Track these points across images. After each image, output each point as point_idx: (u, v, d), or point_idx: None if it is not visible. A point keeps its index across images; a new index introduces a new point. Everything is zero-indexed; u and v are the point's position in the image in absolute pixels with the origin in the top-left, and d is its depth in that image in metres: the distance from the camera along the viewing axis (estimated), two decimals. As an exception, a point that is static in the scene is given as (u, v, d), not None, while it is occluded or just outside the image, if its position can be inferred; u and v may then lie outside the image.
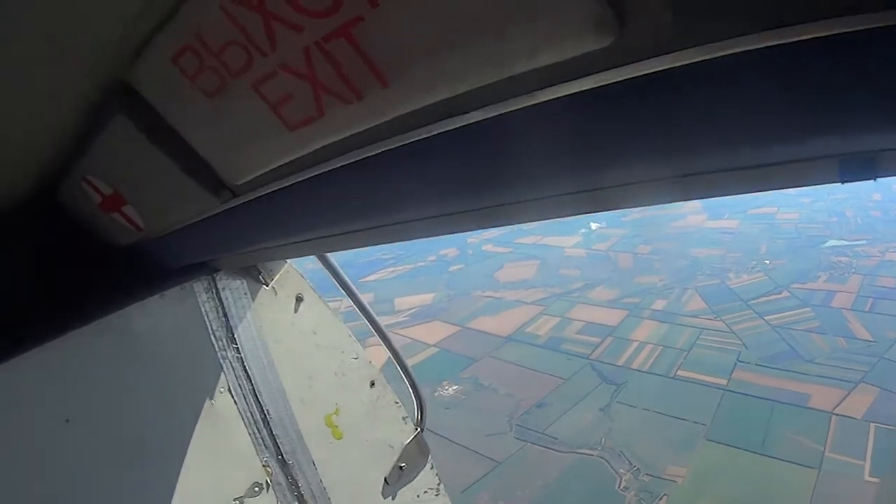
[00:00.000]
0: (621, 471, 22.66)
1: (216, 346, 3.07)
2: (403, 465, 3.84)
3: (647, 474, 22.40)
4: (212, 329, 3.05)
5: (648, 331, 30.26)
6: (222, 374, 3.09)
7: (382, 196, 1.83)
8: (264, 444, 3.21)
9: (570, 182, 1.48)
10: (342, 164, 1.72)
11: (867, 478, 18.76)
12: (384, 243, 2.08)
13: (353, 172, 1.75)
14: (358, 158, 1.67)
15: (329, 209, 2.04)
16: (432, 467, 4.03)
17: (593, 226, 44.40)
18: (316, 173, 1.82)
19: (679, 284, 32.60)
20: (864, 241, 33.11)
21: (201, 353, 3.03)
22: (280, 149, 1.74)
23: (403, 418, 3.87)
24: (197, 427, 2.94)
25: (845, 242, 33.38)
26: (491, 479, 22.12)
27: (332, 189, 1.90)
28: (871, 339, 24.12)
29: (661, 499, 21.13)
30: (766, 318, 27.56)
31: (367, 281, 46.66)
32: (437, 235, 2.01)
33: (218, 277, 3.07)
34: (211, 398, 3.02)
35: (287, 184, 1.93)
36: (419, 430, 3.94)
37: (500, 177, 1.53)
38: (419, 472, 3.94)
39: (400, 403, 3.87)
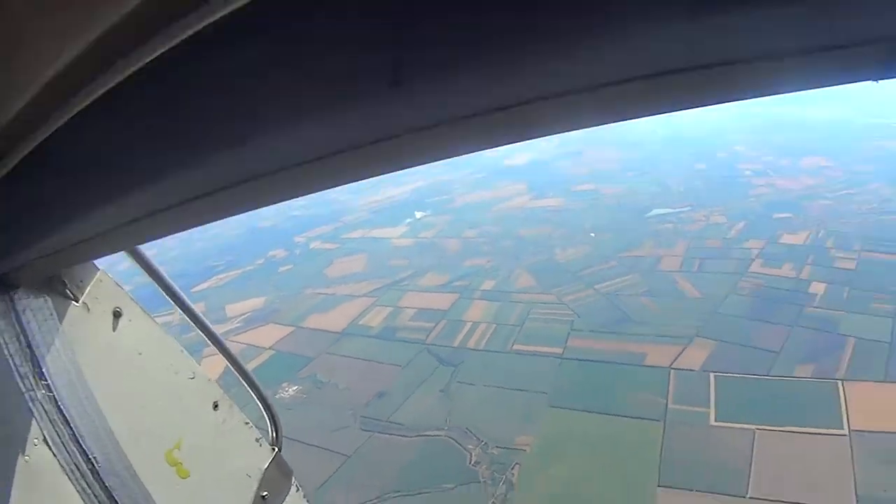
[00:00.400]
0: (470, 447, 23.38)
1: (22, 386, 2.50)
2: (266, 493, 3.42)
3: (496, 447, 23.30)
4: (14, 365, 2.49)
5: (480, 311, 31.31)
6: (33, 420, 2.53)
7: (218, 128, 1.30)
8: (97, 500, 2.67)
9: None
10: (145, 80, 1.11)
11: (713, 423, 21.08)
12: (234, 214, 1.62)
13: (170, 92, 1.25)
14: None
15: (134, 169, 1.50)
16: (298, 489, 3.67)
17: (418, 214, 45.15)
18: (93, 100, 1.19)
19: (506, 264, 33.78)
20: (688, 208, 35.61)
21: (3, 399, 2.47)
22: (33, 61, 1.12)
23: (257, 440, 3.45)
24: (12, 492, 2.39)
25: (670, 210, 35.74)
26: (343, 473, 21.76)
27: (136, 130, 1.39)
28: (701, 296, 26.30)
29: (513, 468, 22.16)
30: (595, 287, 29.22)
31: (198, 290, 43.70)
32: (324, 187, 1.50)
33: (16, 297, 2.47)
34: (24, 453, 2.47)
35: (58, 130, 1.31)
36: (276, 449, 3.50)
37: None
38: (284, 498, 3.55)
39: (250, 423, 3.44)
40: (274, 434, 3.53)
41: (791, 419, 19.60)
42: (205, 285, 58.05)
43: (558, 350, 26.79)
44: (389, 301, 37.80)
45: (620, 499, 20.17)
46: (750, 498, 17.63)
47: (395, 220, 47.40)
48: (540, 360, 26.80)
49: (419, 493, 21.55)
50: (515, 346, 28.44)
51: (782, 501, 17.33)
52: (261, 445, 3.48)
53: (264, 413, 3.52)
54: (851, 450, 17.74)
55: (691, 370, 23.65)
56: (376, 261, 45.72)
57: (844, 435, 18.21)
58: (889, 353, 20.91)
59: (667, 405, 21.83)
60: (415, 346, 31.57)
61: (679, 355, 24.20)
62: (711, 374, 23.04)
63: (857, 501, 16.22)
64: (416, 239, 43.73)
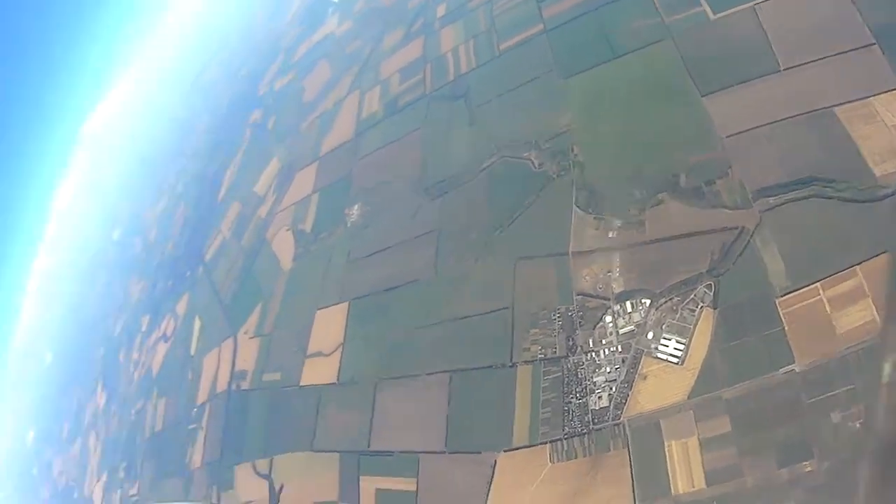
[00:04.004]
0: (524, 155, 29.66)
1: None
2: None
3: (545, 140, 29.79)
4: None
5: (450, 39, 36.48)
6: None
7: None
8: None
9: None
10: None
11: (714, 17, 26.50)
12: None
13: None
14: None
15: None
16: None
17: None
18: None
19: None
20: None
21: None
22: None
23: None
24: None
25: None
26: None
27: None
28: None
29: (573, 151, 28.03)
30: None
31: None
32: None
33: None
34: None
35: None
36: None
37: None
38: None
39: None
40: None
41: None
42: (224, 190, 68.51)
43: (539, 27, 33.51)
44: (372, 82, 47.11)
45: (678, 122, 24.66)
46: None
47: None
48: (535, 45, 32.77)
49: (513, 222, 28.13)
50: (502, 46, 34.65)
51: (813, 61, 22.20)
52: None
53: None
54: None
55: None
56: (334, 58, 57.61)
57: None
58: None
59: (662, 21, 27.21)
60: (421, 104, 38.82)
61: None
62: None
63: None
64: None
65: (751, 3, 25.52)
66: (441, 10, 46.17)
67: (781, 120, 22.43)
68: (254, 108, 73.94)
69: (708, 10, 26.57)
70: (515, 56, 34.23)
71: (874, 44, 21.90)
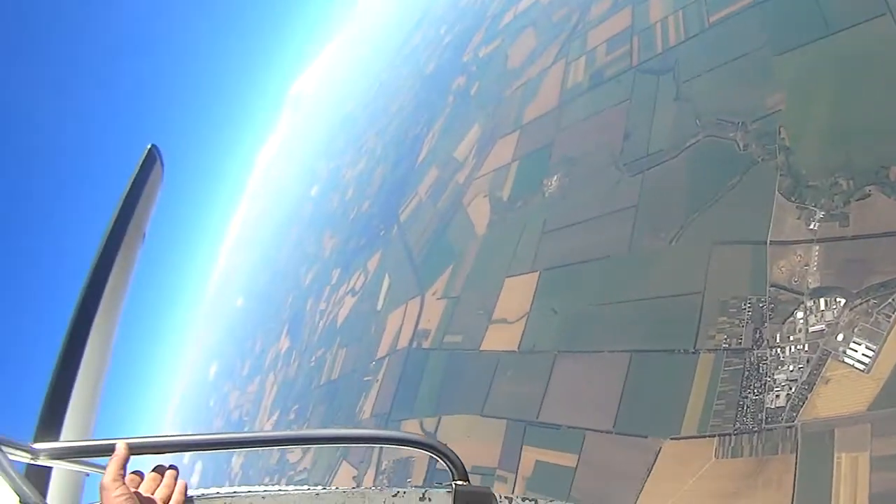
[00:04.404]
0: (731, 135, 28.08)
1: None
2: None
3: (752, 121, 27.31)
4: None
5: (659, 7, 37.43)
6: None
7: None
8: None
9: None
10: None
11: None
12: None
13: None
14: None
15: None
16: None
17: None
18: None
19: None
20: None
21: None
22: None
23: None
24: None
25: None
26: (640, 215, 30.59)
27: None
28: None
29: (780, 134, 25.75)
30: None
31: (423, 159, 67.52)
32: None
33: None
34: None
35: None
36: (460, 483, 3.03)
37: None
38: None
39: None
40: (453, 470, 3.08)
41: None
42: (423, 154, 67.72)
43: None
44: (578, 51, 43.58)
45: (889, 97, 22.23)
46: None
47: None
48: (746, 18, 30.16)
49: (713, 205, 26.94)
50: (712, 18, 32.30)
51: None
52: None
53: (438, 459, 3.09)
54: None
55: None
56: (541, 27, 52.22)
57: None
58: None
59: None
60: (626, 77, 36.85)
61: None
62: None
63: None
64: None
65: None
66: (650, -24, 43.86)
67: None
68: (458, 75, 74.83)
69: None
70: (725, 29, 32.38)
71: None
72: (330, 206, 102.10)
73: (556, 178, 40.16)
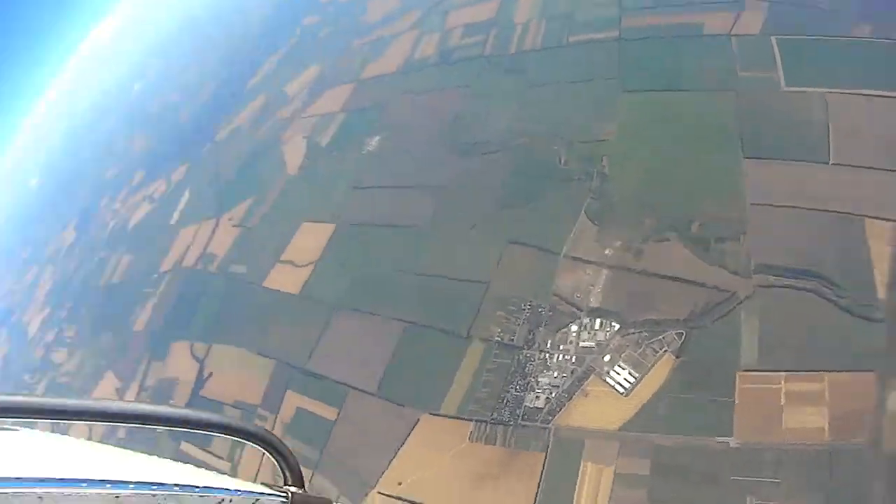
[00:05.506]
0: (555, 147, 27.83)
1: None
2: None
3: (579, 142, 27.21)
4: None
5: (527, 8, 36.41)
6: None
7: None
8: None
9: None
10: None
11: (784, 88, 24.05)
12: None
13: None
14: None
15: None
16: None
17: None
18: None
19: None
20: None
21: None
22: None
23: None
24: None
25: None
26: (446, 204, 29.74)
27: None
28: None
29: (601, 161, 26.06)
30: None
31: (252, 85, 63.22)
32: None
33: None
34: None
35: None
36: (295, 491, 2.82)
37: None
38: None
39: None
40: (287, 473, 2.91)
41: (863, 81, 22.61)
42: (256, 79, 65.54)
43: (614, 34, 31.26)
44: (435, 27, 43.13)
45: (712, 173, 23.61)
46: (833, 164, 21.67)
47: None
48: (606, 49, 30.91)
49: (521, 206, 27.15)
50: (571, 39, 33.27)
51: (864, 167, 20.90)
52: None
53: (271, 458, 2.90)
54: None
55: (751, 35, 26.21)
56: None
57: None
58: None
59: (736, 72, 25.29)
60: (474, 64, 36.26)
61: (736, 21, 26.87)
62: (772, 38, 25.74)
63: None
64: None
65: (824, 90, 24.80)
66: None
67: (810, 209, 21.97)
68: (313, 13, 70.82)
69: (782, 78, 25.62)
70: (583, 52, 33.20)
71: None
72: (149, 108, 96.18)
73: (378, 139, 39.74)
